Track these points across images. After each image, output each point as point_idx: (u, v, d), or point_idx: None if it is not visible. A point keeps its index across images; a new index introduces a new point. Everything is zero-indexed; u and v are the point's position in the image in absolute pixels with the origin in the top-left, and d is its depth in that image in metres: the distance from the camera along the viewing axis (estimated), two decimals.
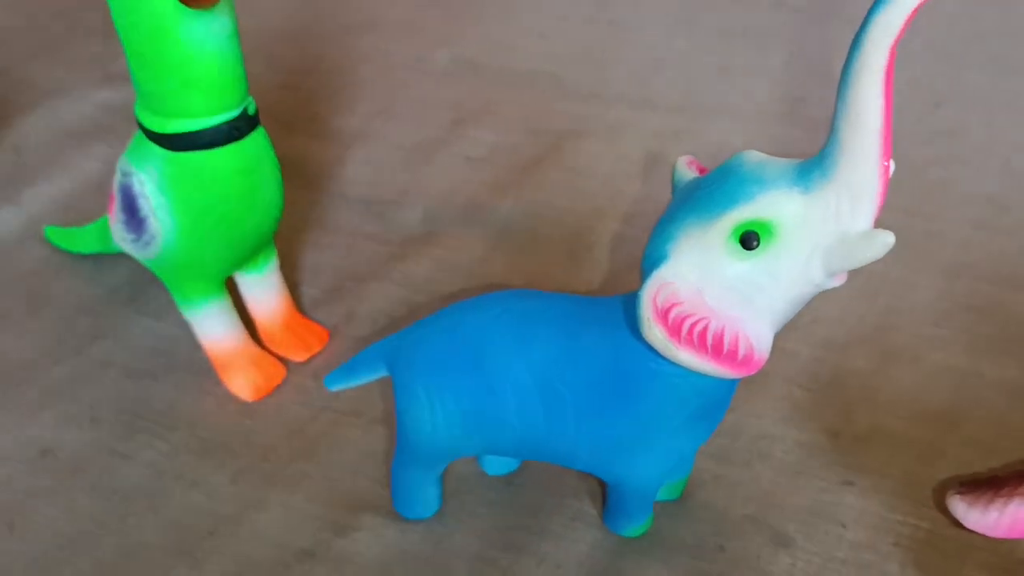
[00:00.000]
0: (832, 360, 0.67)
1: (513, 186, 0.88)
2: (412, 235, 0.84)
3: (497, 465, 0.60)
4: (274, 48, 1.16)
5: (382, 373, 0.54)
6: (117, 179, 0.63)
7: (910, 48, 1.04)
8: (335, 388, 0.56)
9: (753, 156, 0.43)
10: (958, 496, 0.46)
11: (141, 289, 0.79)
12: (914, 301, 0.71)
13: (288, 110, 1.04)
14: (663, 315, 0.42)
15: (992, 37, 1.06)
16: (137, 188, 0.61)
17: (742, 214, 0.41)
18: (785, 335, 0.68)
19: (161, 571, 0.56)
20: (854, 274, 0.72)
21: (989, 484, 0.45)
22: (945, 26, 1.03)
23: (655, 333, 0.42)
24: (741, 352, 0.42)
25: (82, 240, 0.80)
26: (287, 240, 0.83)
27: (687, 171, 0.47)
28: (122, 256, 0.82)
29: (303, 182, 0.92)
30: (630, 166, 0.90)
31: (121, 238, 0.66)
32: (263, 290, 0.71)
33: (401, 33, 1.19)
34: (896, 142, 0.90)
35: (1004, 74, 0.99)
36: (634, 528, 0.56)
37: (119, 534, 0.59)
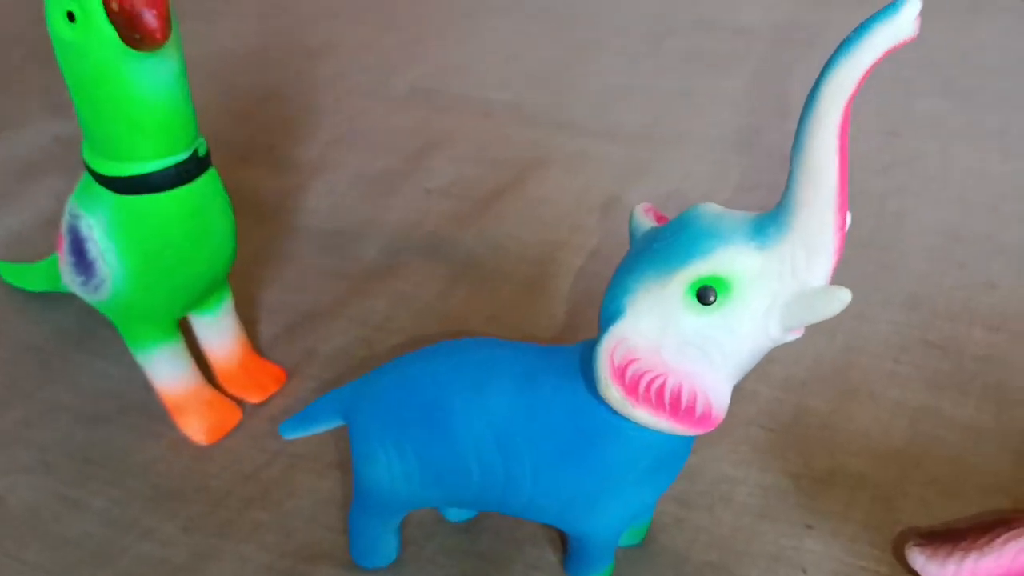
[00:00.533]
0: (791, 400, 0.66)
1: (474, 218, 0.88)
2: (372, 269, 0.83)
3: (457, 511, 0.59)
4: (227, 74, 1.15)
5: (338, 422, 0.53)
6: (65, 220, 0.62)
7: None
8: (290, 437, 0.55)
9: (710, 209, 0.43)
10: (916, 549, 0.46)
11: (92, 330, 0.77)
12: (871, 336, 0.71)
13: (243, 140, 1.03)
14: (620, 373, 0.41)
15: (944, 64, 1.07)
16: (85, 232, 0.59)
17: (699, 269, 0.40)
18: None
19: None
20: None
21: (947, 537, 0.45)
22: (897, 54, 1.04)
23: (612, 393, 0.41)
24: (699, 409, 0.41)
25: (32, 277, 0.78)
26: (244, 275, 0.81)
27: (645, 219, 0.47)
28: (72, 295, 0.80)
29: (260, 215, 0.91)
30: (592, 197, 0.89)
31: (71, 280, 0.64)
32: (217, 331, 0.70)
33: (358, 59, 1.18)
34: (852, 172, 0.90)
35: (957, 101, 1.00)
36: None
37: None
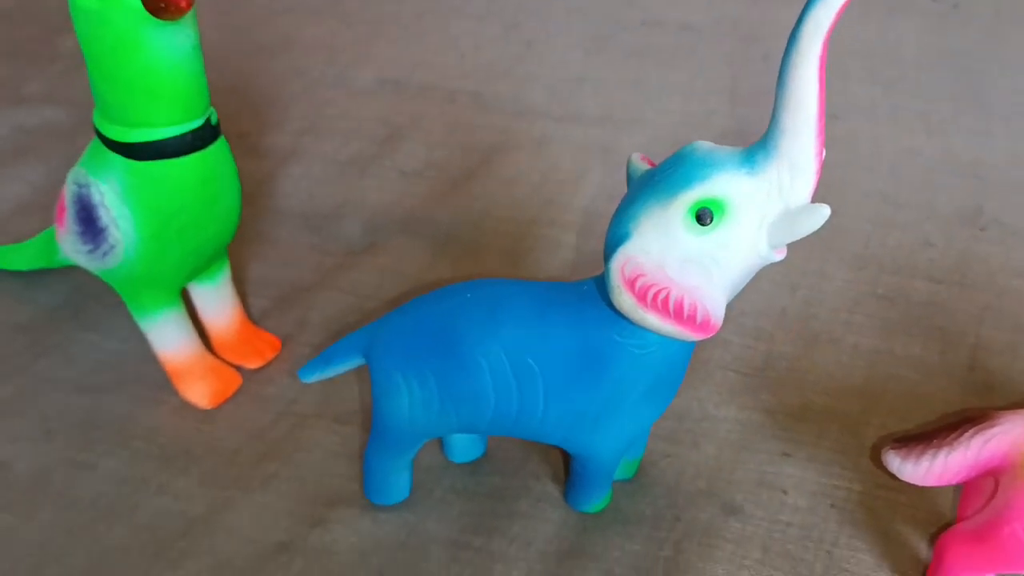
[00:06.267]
0: (762, 348, 0.72)
1: (449, 198, 0.92)
2: (355, 247, 0.86)
3: (462, 452, 0.63)
4: None
5: (357, 362, 0.57)
6: (70, 191, 0.64)
7: None
8: (310, 379, 0.58)
9: (703, 145, 0.48)
10: (892, 451, 0.51)
11: (81, 307, 0.78)
12: (828, 291, 0.78)
13: None
14: (631, 283, 0.46)
15: (871, 56, 1.16)
16: (96, 198, 0.61)
17: (697, 193, 0.46)
18: None
19: (137, 574, 0.57)
20: (776, 268, 0.79)
21: (920, 438, 0.51)
22: (836, 47, 1.12)
23: (624, 298, 0.46)
24: (699, 317, 0.47)
25: (20, 257, 0.79)
26: (229, 254, 0.83)
27: (641, 164, 0.52)
28: (57, 275, 0.81)
29: None
30: (559, 175, 0.94)
31: (74, 250, 0.66)
32: (216, 300, 0.72)
33: (318, 53, 1.21)
34: None
35: (884, 88, 1.09)
36: (595, 504, 0.60)
37: (89, 541, 0.59)
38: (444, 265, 0.83)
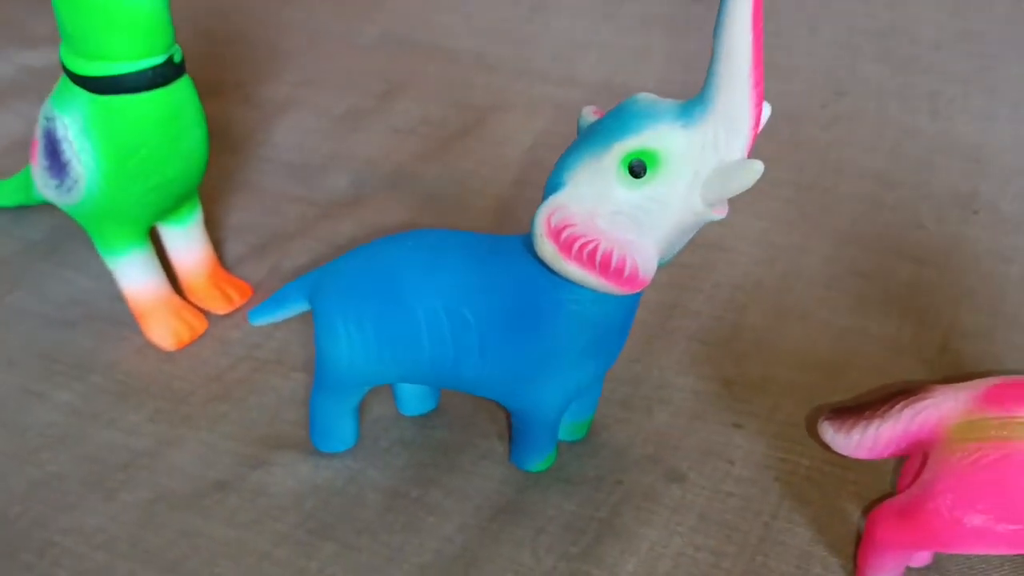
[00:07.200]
0: (730, 319, 0.71)
1: (439, 155, 0.91)
2: (338, 199, 0.86)
3: (413, 405, 0.63)
4: (197, 19, 1.16)
5: (303, 306, 0.57)
6: (40, 124, 0.64)
7: (816, 43, 1.10)
8: (259, 322, 0.58)
9: (645, 97, 0.47)
10: (827, 422, 0.50)
11: (60, 243, 0.79)
12: (807, 266, 0.76)
13: (213, 77, 1.05)
14: (555, 233, 0.45)
15: (886, 35, 1.13)
16: (60, 132, 0.62)
17: (630, 144, 0.45)
18: (689, 297, 0.72)
19: (73, 500, 0.58)
20: (756, 241, 0.77)
21: (854, 409, 0.49)
22: (846, 24, 1.09)
23: (546, 247, 0.45)
24: (627, 271, 0.46)
25: (2, 193, 0.80)
26: (211, 201, 0.84)
27: (591, 118, 0.51)
28: (41, 211, 0.82)
29: (228, 145, 0.93)
30: (552, 139, 0.93)
31: (44, 184, 0.66)
32: (187, 243, 0.72)
33: (325, 6, 1.20)
34: (800, 126, 0.95)
35: (896, 67, 1.06)
36: (538, 463, 0.59)
37: (30, 468, 0.60)
38: (425, 221, 0.82)
